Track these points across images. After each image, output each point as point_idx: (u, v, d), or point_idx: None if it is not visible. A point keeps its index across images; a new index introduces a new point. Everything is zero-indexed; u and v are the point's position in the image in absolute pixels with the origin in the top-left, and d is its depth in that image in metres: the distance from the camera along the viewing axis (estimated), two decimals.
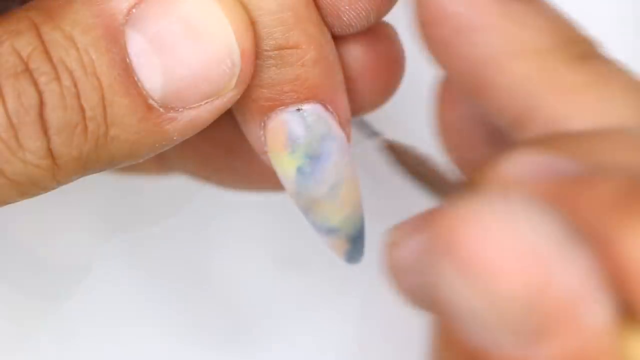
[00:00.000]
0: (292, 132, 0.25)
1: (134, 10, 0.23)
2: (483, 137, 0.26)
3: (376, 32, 0.26)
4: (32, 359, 0.38)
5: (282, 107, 0.25)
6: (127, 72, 0.23)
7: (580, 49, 0.23)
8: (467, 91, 0.24)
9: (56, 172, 0.23)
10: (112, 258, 0.39)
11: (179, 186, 0.39)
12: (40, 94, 0.22)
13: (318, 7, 0.24)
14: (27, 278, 0.38)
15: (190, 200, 0.38)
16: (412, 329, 0.40)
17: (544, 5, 0.23)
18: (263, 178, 0.26)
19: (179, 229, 0.40)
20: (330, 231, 0.26)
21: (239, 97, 0.24)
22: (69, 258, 0.39)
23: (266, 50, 0.24)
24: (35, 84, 0.22)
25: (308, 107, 0.25)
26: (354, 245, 0.27)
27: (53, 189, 0.24)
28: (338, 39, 0.25)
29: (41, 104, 0.22)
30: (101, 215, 0.39)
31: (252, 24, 0.23)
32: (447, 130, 0.26)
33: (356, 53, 0.26)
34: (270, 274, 0.39)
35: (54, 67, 0.22)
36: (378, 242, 0.39)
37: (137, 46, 0.23)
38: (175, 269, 0.39)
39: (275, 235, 0.38)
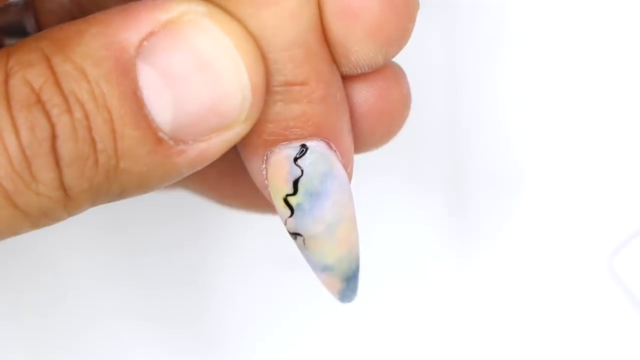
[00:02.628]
0: (294, 168, 0.25)
1: (145, 42, 0.23)
2: None
3: (384, 73, 0.26)
4: (32, 358, 0.38)
5: (286, 142, 0.25)
6: (137, 105, 0.23)
7: None
8: None
9: (67, 203, 0.23)
10: (110, 258, 0.39)
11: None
12: (52, 125, 0.22)
13: (328, 45, 0.24)
14: (27, 278, 0.38)
15: (189, 200, 0.39)
16: (412, 329, 0.40)
17: None
18: (266, 203, 0.26)
19: (178, 228, 0.40)
20: (325, 269, 0.26)
21: (248, 130, 0.24)
22: (67, 259, 0.39)
23: (274, 86, 0.24)
24: (47, 115, 0.22)
25: (312, 144, 0.25)
26: (348, 285, 0.26)
27: (63, 219, 0.24)
28: (346, 78, 0.25)
29: (54, 136, 0.22)
30: (100, 215, 0.39)
31: (263, 58, 0.23)
32: None
33: (363, 93, 0.26)
34: (270, 274, 0.40)
35: (66, 99, 0.22)
36: (377, 242, 0.39)
37: (148, 79, 0.23)
38: (173, 269, 0.40)
39: (275, 236, 0.38)
